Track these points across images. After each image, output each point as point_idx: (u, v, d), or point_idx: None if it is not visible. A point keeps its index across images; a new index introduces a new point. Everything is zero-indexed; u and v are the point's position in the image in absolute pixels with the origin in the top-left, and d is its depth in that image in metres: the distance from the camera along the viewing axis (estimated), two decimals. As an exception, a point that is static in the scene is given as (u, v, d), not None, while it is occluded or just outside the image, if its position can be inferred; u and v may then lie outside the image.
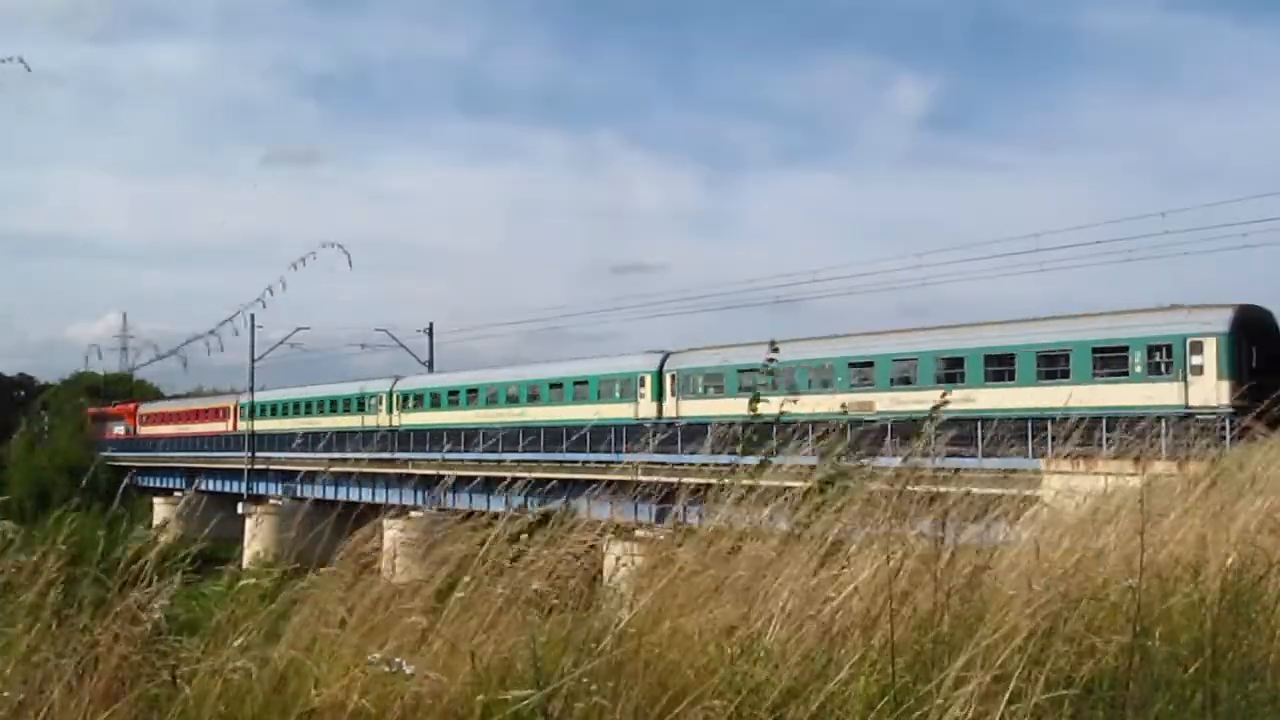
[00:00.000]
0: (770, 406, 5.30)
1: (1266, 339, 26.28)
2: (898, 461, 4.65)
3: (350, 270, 3.27)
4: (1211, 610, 3.84)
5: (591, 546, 4.10)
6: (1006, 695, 2.90)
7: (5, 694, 2.89)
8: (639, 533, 4.96)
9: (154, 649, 3.13)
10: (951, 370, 29.74)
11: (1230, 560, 4.21)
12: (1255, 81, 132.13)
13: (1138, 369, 26.56)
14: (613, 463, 23.90)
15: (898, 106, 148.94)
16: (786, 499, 4.38)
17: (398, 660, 2.93)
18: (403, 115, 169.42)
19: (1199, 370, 25.66)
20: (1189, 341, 26.01)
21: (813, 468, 4.66)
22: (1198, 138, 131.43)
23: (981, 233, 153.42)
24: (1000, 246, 58.41)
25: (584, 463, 33.59)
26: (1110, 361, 27.14)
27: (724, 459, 5.07)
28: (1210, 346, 25.72)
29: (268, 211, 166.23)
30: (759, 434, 5.18)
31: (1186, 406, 25.07)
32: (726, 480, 4.47)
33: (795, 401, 5.98)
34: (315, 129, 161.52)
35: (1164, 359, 26.29)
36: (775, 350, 6.06)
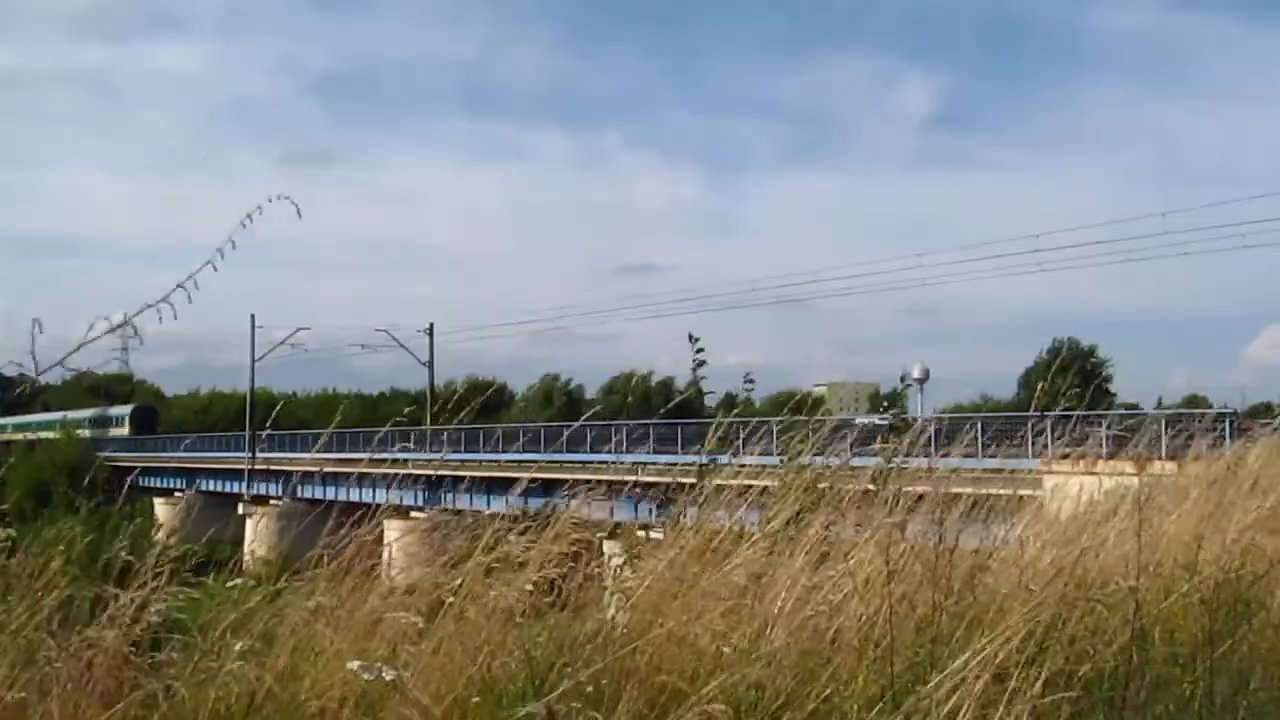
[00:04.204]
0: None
1: (147, 414, 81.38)
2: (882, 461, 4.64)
3: (300, 219, 3.21)
4: (1211, 610, 3.84)
5: (587, 545, 4.10)
6: (1006, 696, 2.90)
7: (6, 696, 2.89)
8: (642, 533, 4.93)
9: (152, 651, 3.12)
10: None
11: (1230, 560, 4.21)
12: (1262, 82, 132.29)
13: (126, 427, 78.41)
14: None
15: (903, 106, 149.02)
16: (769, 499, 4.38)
17: (378, 665, 2.92)
18: (408, 115, 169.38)
19: (122, 424, 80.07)
20: (127, 415, 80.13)
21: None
22: (1204, 138, 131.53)
23: (988, 233, 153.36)
24: (1000, 247, 58.56)
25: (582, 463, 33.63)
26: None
27: (700, 458, 5.06)
28: (128, 418, 78.95)
29: (271, 212, 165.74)
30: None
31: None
32: (724, 481, 4.47)
33: None
34: (320, 129, 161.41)
35: (121, 424, 79.07)
36: None
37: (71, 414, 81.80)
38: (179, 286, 2.95)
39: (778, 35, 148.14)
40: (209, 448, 66.88)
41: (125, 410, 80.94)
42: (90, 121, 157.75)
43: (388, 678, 2.90)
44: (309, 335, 61.68)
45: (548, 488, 6.21)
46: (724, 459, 4.89)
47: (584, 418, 34.70)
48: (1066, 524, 4.95)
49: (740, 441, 5.28)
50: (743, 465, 4.86)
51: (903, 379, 6.27)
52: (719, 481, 4.49)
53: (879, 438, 5.13)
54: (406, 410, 17.31)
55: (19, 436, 74.57)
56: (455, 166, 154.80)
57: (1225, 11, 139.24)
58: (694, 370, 5.47)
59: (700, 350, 5.43)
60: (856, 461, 4.93)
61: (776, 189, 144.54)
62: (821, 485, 4.36)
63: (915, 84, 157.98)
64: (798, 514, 4.15)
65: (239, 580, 3.64)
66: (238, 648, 3.14)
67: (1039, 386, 5.82)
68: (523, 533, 3.84)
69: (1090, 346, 66.21)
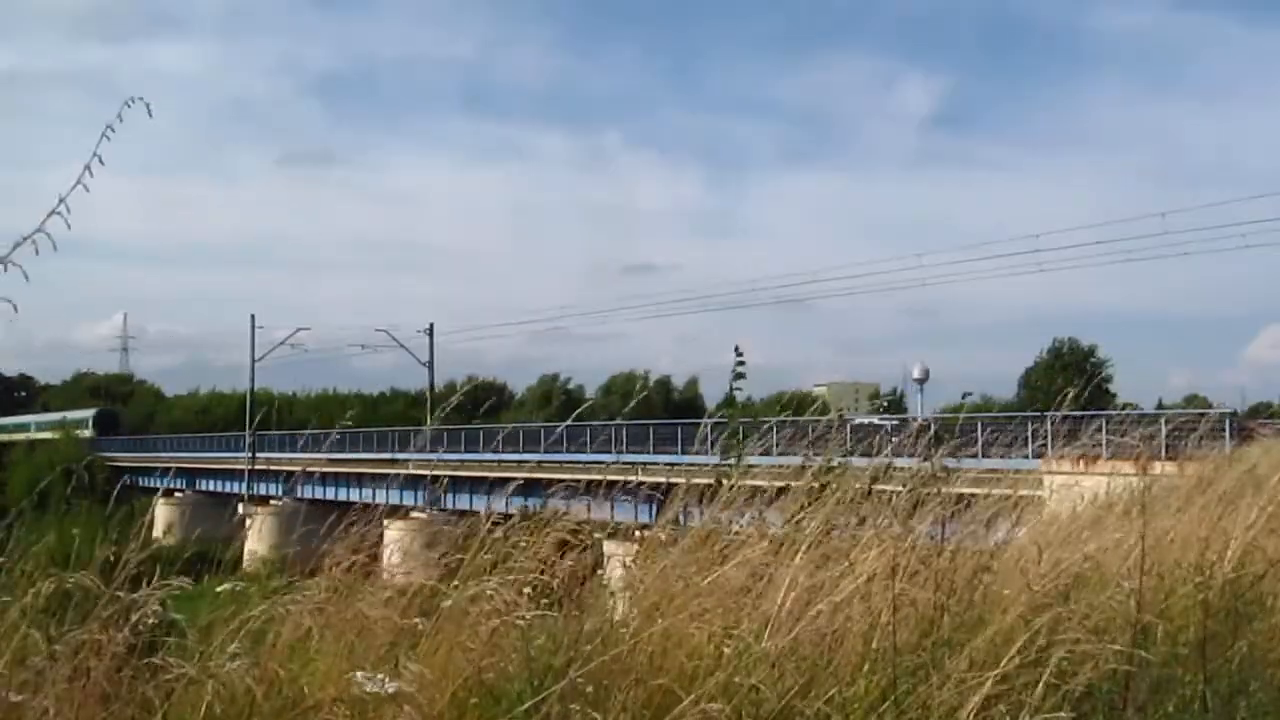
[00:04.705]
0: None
1: (109, 419, 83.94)
2: (895, 461, 4.65)
3: (150, 119, 3.04)
4: (1211, 610, 3.83)
5: (587, 546, 4.09)
6: (1007, 697, 2.89)
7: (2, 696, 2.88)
8: (639, 533, 4.93)
9: (146, 653, 3.11)
10: None
11: (1230, 560, 4.20)
12: (1262, 82, 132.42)
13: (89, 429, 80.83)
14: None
15: (903, 106, 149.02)
16: (775, 498, 4.38)
17: (380, 676, 2.91)
18: (408, 115, 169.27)
19: (86, 427, 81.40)
20: (91, 419, 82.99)
21: (797, 468, 4.65)
22: (1204, 138, 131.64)
23: (988, 233, 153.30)
24: (1000, 247, 58.65)
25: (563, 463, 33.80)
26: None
27: (710, 459, 5.07)
28: (90, 421, 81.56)
29: (273, 211, 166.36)
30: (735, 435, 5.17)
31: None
32: (723, 480, 4.47)
33: None
34: (320, 129, 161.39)
35: (85, 427, 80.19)
36: None
37: (38, 417, 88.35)
38: (53, 213, 2.83)
39: (778, 35, 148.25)
40: (207, 448, 66.93)
41: (89, 413, 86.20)
42: (90, 121, 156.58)
43: (390, 690, 2.88)
44: (309, 335, 61.70)
45: (548, 488, 6.22)
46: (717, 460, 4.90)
47: (573, 415, 34.33)
48: (1068, 524, 4.94)
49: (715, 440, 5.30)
50: (751, 466, 4.86)
51: (964, 395, 6.29)
52: (728, 482, 4.49)
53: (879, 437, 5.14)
54: (348, 414, 17.28)
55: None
56: (455, 166, 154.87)
57: (1225, 11, 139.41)
58: (732, 381, 5.55)
59: (742, 363, 5.52)
60: (858, 461, 4.92)
61: (776, 189, 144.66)
62: (828, 483, 4.36)
63: (915, 84, 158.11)
64: (798, 517, 4.14)
65: (229, 584, 3.62)
66: (232, 648, 3.13)
67: (1059, 393, 5.84)
68: (525, 533, 3.83)
69: (1090, 346, 66.11)
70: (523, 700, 2.91)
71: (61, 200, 2.84)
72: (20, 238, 2.82)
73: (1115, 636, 3.46)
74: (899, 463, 4.80)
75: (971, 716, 2.82)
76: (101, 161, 2.89)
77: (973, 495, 4.85)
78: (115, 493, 5.57)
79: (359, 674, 2.99)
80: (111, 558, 3.32)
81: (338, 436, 43.85)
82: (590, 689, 2.98)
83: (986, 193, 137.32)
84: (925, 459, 4.69)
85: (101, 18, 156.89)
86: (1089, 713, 3.22)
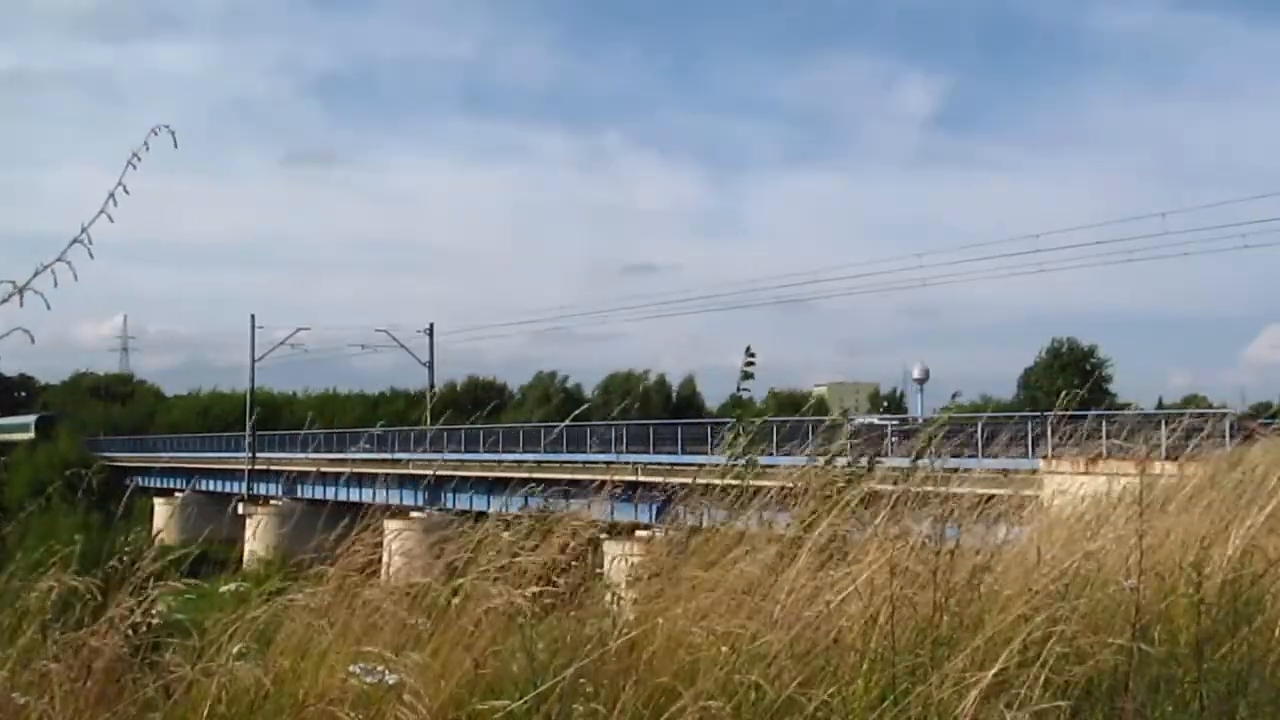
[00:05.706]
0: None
1: (50, 421, 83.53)
2: (897, 461, 4.66)
3: (175, 149, 3.03)
4: (1211, 610, 3.83)
5: (588, 545, 4.10)
6: (1006, 697, 2.89)
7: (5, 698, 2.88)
8: (639, 533, 4.95)
9: (148, 654, 3.12)
10: None
11: (1230, 560, 4.20)
12: (1262, 82, 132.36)
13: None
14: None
15: (903, 106, 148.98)
16: (780, 499, 4.39)
17: (380, 669, 2.92)
18: (408, 115, 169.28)
19: (29, 430, 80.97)
20: (32, 423, 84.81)
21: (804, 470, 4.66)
22: (1204, 138, 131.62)
23: (988, 233, 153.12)
24: (1000, 247, 58.72)
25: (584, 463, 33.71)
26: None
27: (718, 459, 5.09)
28: (33, 425, 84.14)
29: (273, 211, 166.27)
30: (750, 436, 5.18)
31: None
32: (730, 481, 4.48)
33: None
34: (320, 129, 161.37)
35: (27, 430, 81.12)
36: None
37: None
38: (75, 241, 2.85)
39: (778, 35, 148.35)
40: (207, 448, 66.91)
41: (31, 419, 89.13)
42: (90, 121, 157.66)
43: (390, 681, 2.90)
44: (309, 335, 61.93)
45: (548, 487, 6.24)
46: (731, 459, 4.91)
47: (571, 416, 34.30)
48: (1067, 524, 4.95)
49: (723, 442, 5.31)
50: (769, 467, 4.88)
51: (954, 395, 6.41)
52: (736, 482, 4.49)
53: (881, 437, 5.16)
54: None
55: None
56: (455, 166, 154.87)
57: (1225, 11, 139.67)
58: (740, 381, 5.58)
59: (751, 363, 5.55)
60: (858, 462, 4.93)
61: (777, 189, 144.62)
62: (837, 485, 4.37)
63: (915, 84, 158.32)
64: (807, 521, 4.15)
65: (234, 585, 3.64)
66: (235, 650, 3.14)
67: (1059, 393, 5.86)
68: (526, 536, 3.84)
69: (1090, 346, 66.09)
70: (524, 697, 2.92)
71: (84, 229, 2.88)
72: (40, 265, 2.81)
73: (1114, 635, 3.46)
74: (898, 463, 4.81)
75: (970, 713, 2.83)
76: (126, 191, 2.91)
77: (972, 495, 4.85)
78: (127, 497, 5.56)
79: (358, 666, 3.00)
80: (121, 558, 3.33)
81: (337, 438, 44.04)
82: (590, 688, 2.99)
83: (986, 193, 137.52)
84: (920, 457, 4.71)
85: (102, 18, 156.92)
86: (1087, 711, 3.23)
